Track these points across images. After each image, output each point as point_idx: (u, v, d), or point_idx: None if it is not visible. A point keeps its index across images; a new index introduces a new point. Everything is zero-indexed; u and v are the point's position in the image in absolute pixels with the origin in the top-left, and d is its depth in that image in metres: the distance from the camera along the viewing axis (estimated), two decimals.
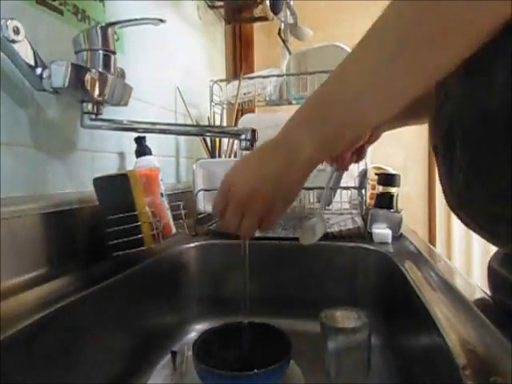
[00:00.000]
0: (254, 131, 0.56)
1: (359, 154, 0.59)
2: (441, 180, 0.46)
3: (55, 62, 0.53)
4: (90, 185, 0.61)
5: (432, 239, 1.83)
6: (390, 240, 0.77)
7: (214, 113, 1.18)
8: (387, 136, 0.62)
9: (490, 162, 0.36)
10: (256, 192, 0.40)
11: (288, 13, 1.35)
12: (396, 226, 0.81)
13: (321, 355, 0.52)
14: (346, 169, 0.59)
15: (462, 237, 1.82)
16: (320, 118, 0.38)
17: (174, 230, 0.70)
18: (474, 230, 0.46)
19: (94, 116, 0.59)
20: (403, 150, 1.83)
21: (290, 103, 1.25)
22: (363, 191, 0.87)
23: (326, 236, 0.81)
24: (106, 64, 0.58)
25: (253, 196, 0.41)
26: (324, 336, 0.51)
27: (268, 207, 0.41)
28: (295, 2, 1.36)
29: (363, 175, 0.91)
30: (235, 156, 1.11)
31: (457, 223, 1.81)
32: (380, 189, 0.85)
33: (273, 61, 1.45)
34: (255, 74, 1.29)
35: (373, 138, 0.62)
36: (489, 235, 0.43)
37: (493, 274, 0.50)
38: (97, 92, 0.56)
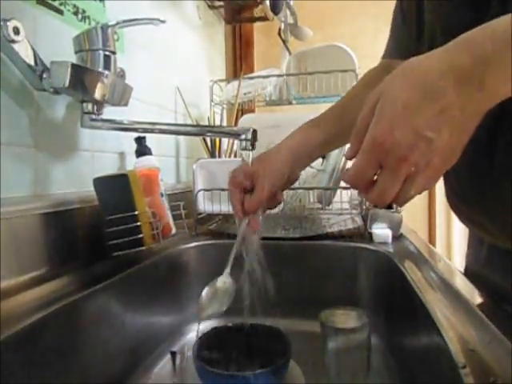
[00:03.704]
0: (254, 131, 0.56)
1: (274, 202, 0.53)
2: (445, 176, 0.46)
3: (55, 62, 0.53)
4: (90, 185, 0.61)
5: (432, 239, 1.83)
6: (390, 240, 0.77)
7: (213, 113, 1.18)
8: None
9: None
10: (426, 131, 0.28)
11: (288, 13, 1.35)
12: (396, 226, 0.81)
13: (321, 355, 0.52)
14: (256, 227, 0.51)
15: (462, 237, 1.82)
16: None
17: (174, 230, 0.70)
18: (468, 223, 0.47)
19: (94, 116, 0.59)
20: None
21: (290, 103, 1.26)
22: None
23: (326, 236, 0.81)
24: (106, 64, 0.58)
25: (420, 137, 0.28)
26: (324, 336, 0.51)
27: (430, 158, 0.29)
28: (295, 1, 1.37)
29: None
30: (235, 156, 1.11)
31: (457, 223, 1.81)
32: None
33: (273, 61, 1.45)
34: (255, 74, 1.30)
35: (290, 181, 0.55)
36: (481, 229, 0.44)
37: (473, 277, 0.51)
38: (97, 92, 0.56)
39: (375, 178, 0.32)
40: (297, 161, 0.56)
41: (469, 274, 0.57)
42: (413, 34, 0.54)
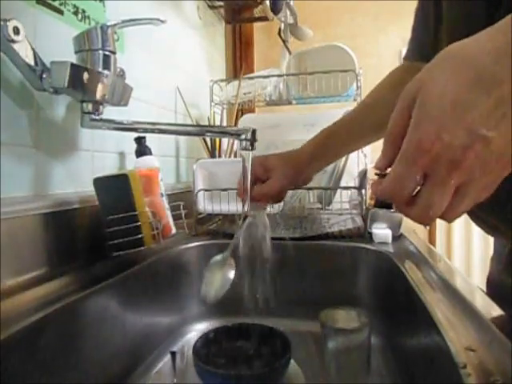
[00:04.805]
0: (254, 131, 0.56)
1: (278, 197, 0.59)
2: None
3: (55, 62, 0.53)
4: (90, 185, 0.61)
5: (432, 239, 1.84)
6: (390, 240, 0.77)
7: (213, 113, 1.18)
8: None
9: None
10: (478, 139, 0.24)
11: (288, 13, 1.35)
12: (396, 226, 0.81)
13: (321, 355, 0.52)
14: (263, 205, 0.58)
15: (462, 237, 1.82)
16: None
17: (173, 230, 0.70)
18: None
19: (94, 116, 0.59)
20: None
21: (290, 103, 1.26)
22: (363, 191, 0.87)
23: (326, 236, 0.81)
24: (106, 64, 0.58)
25: (475, 138, 0.24)
26: (324, 336, 0.51)
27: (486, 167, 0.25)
28: (295, 2, 1.37)
29: (363, 175, 0.91)
30: (235, 156, 1.11)
31: (457, 223, 1.81)
32: None
33: (273, 61, 1.45)
34: (255, 74, 1.29)
35: (304, 181, 0.61)
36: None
37: (497, 286, 0.50)
38: (97, 92, 0.56)
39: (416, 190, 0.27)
40: (314, 164, 0.60)
41: (491, 278, 0.56)
42: (431, 30, 0.50)
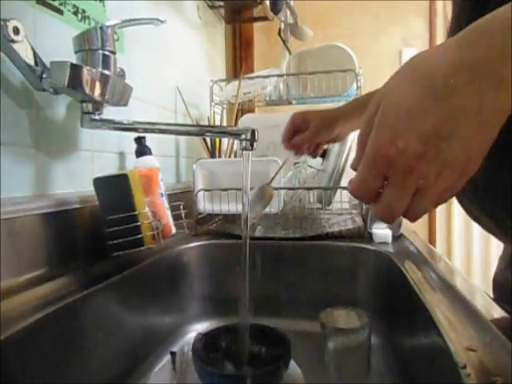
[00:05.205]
0: (253, 131, 0.56)
1: (315, 150, 0.69)
2: None
3: (55, 62, 0.53)
4: (90, 185, 0.61)
5: (432, 239, 1.83)
6: (390, 240, 0.77)
7: (213, 113, 1.18)
8: None
9: None
10: (438, 139, 0.24)
11: (288, 13, 1.35)
12: (396, 226, 0.81)
13: (321, 355, 0.52)
14: (300, 154, 0.70)
15: (462, 237, 1.82)
16: None
17: (173, 230, 0.70)
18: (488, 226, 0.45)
19: (94, 116, 0.59)
20: None
21: (290, 103, 1.26)
22: None
23: (326, 236, 0.81)
24: (106, 64, 0.58)
25: (427, 146, 0.24)
26: (324, 336, 0.51)
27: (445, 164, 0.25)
28: (295, 2, 1.37)
29: None
30: (235, 156, 1.11)
31: (457, 223, 1.81)
32: None
33: (273, 61, 1.45)
34: (255, 74, 1.30)
35: (337, 138, 0.68)
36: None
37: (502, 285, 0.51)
38: (97, 92, 0.56)
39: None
40: (346, 124, 0.67)
41: (497, 277, 0.56)
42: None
